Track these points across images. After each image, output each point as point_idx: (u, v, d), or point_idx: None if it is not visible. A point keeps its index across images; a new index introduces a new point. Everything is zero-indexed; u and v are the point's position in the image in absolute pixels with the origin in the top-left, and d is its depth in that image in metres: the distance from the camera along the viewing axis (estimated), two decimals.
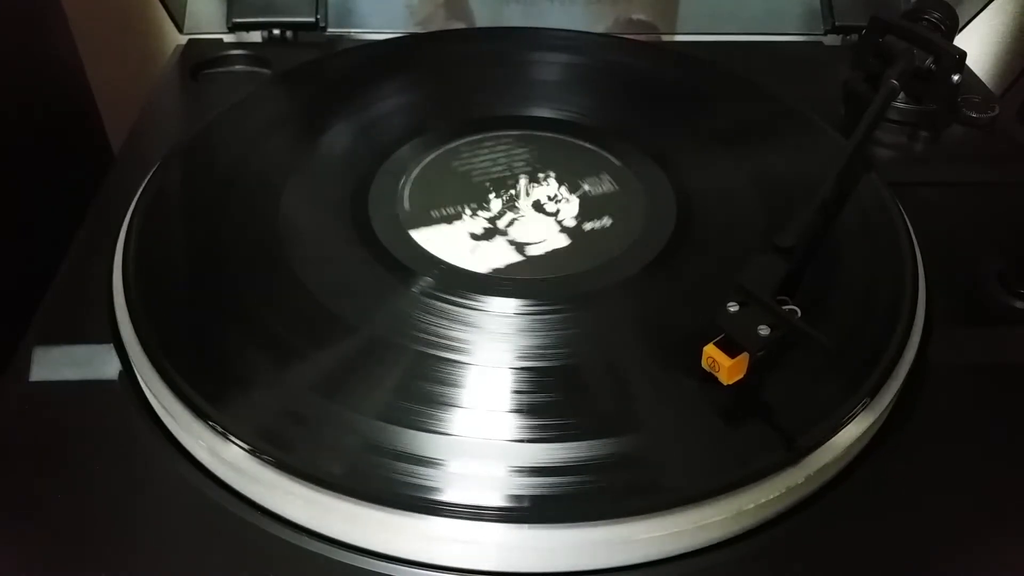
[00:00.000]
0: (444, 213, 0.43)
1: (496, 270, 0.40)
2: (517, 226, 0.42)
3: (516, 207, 0.44)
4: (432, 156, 0.47)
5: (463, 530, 0.30)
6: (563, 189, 0.45)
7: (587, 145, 0.48)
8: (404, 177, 0.45)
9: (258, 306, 0.37)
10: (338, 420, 0.33)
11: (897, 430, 0.35)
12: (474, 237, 0.42)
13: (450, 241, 0.41)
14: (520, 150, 0.48)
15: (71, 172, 0.58)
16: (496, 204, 0.44)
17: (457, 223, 0.42)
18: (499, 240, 0.41)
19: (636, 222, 0.43)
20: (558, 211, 0.43)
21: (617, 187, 0.45)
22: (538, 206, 0.44)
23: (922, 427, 0.36)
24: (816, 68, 0.59)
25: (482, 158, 0.47)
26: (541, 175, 0.46)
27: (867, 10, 0.55)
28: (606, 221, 0.43)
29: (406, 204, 0.43)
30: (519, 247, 0.41)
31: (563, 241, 0.42)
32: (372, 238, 0.41)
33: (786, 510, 0.32)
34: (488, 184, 0.45)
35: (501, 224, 0.42)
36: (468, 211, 0.43)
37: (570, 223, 0.43)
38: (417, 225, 0.42)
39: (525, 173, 0.46)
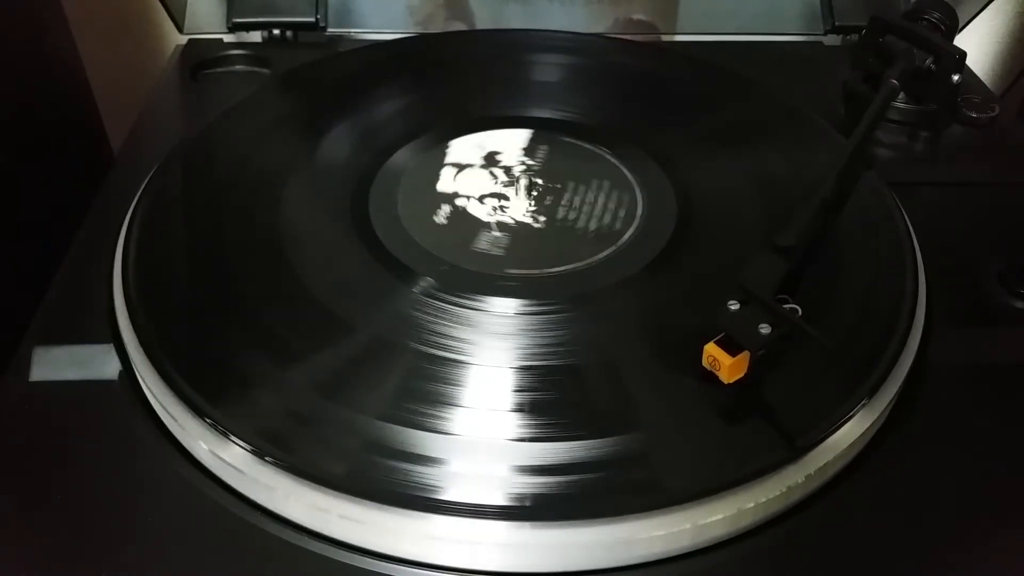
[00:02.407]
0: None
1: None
2: (506, 201, 0.44)
3: (509, 203, 0.44)
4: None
5: (464, 529, 0.30)
6: (563, 191, 0.45)
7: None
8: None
9: (258, 306, 0.37)
10: (338, 420, 0.33)
11: (897, 430, 0.35)
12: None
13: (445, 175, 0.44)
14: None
15: (71, 172, 0.58)
16: (495, 187, 0.44)
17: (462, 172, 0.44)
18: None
19: (636, 222, 0.43)
20: (555, 212, 0.43)
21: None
22: (532, 205, 0.44)
23: (922, 427, 0.36)
24: (816, 68, 0.59)
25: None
26: (540, 176, 0.46)
27: (867, 10, 0.55)
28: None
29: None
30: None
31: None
32: (372, 238, 0.41)
33: (786, 510, 0.32)
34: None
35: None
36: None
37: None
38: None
39: (525, 174, 0.46)
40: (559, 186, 0.45)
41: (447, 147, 0.47)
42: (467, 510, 0.30)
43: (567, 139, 0.49)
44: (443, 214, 0.43)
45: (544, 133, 0.49)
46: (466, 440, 0.32)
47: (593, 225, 0.42)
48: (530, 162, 0.47)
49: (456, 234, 0.42)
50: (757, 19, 0.63)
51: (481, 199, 0.44)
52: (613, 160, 0.47)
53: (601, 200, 0.44)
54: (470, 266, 0.40)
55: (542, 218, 0.43)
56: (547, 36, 0.58)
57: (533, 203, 0.44)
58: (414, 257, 0.40)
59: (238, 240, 0.41)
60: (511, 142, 0.48)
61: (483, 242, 0.41)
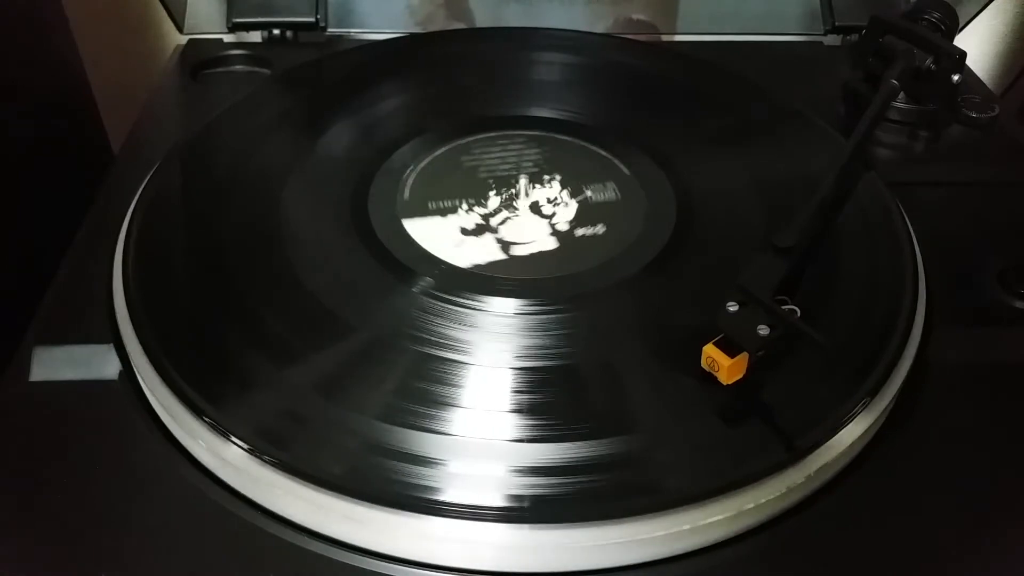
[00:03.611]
0: (441, 206, 0.43)
1: (477, 266, 0.40)
2: (510, 225, 0.42)
3: (514, 206, 0.44)
4: (440, 151, 0.47)
5: (463, 530, 0.30)
6: (564, 192, 0.45)
7: (587, 145, 0.48)
8: (410, 168, 0.45)
9: (258, 306, 0.37)
10: (338, 420, 0.33)
11: (897, 430, 0.35)
12: (464, 232, 0.42)
13: (439, 233, 0.41)
14: (519, 149, 0.48)
15: (71, 172, 0.58)
16: (494, 202, 0.44)
17: (451, 216, 0.43)
18: (487, 237, 0.42)
19: (636, 222, 0.43)
20: (554, 213, 0.43)
21: (617, 187, 0.45)
22: (535, 207, 0.44)
23: (922, 427, 0.36)
24: (816, 68, 0.59)
25: (490, 156, 0.47)
26: (544, 176, 0.46)
27: (867, 10, 0.55)
28: (599, 228, 0.42)
29: (406, 194, 0.44)
30: (505, 246, 0.41)
31: (552, 244, 0.41)
32: (372, 238, 0.41)
33: (786, 510, 0.32)
34: (491, 181, 0.45)
35: (494, 222, 0.43)
36: (465, 206, 0.43)
37: (563, 227, 0.43)
38: (412, 215, 0.42)
39: (527, 172, 0.46)
40: (560, 188, 0.45)
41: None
42: (466, 511, 0.30)
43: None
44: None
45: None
46: (465, 441, 0.32)
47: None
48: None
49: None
50: (757, 19, 0.63)
51: (480, 195, 0.44)
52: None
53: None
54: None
55: (536, 219, 0.43)
56: (547, 35, 0.58)
57: (531, 204, 0.44)
58: (414, 257, 0.40)
59: (238, 240, 0.41)
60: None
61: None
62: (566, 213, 0.43)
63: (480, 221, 0.43)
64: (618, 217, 0.43)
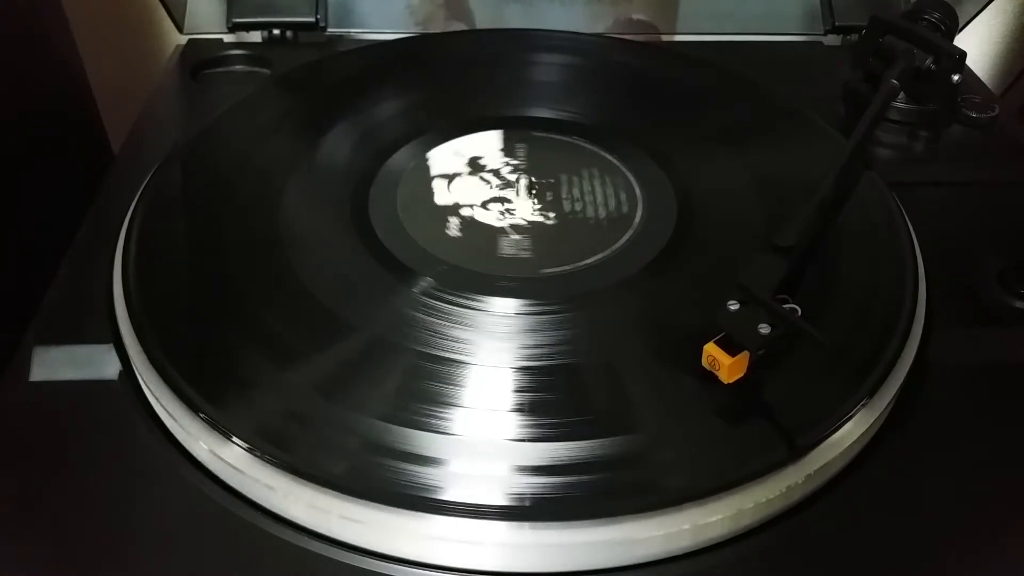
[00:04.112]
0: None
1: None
2: (508, 220, 0.43)
3: (512, 209, 0.44)
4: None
5: (464, 529, 0.30)
6: (563, 192, 0.45)
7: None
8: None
9: (258, 306, 0.37)
10: (338, 419, 0.33)
11: (897, 430, 0.35)
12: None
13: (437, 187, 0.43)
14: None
15: (71, 172, 0.58)
16: (494, 204, 0.44)
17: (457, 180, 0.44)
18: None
19: (636, 222, 0.43)
20: (554, 213, 0.43)
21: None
22: (534, 207, 0.44)
23: (922, 427, 0.35)
24: (816, 68, 0.59)
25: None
26: (544, 176, 0.46)
27: (867, 10, 0.55)
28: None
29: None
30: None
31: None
32: (372, 238, 0.41)
33: (786, 510, 0.32)
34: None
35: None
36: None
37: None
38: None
39: (526, 173, 0.46)
40: (558, 188, 0.45)
41: (445, 150, 0.47)
42: (467, 510, 0.30)
43: (567, 139, 0.49)
44: (451, 222, 0.43)
45: (544, 133, 0.49)
46: (466, 440, 0.32)
47: (601, 218, 0.43)
48: (530, 163, 0.47)
49: (469, 240, 0.41)
50: (757, 19, 0.63)
51: (485, 205, 0.44)
52: (613, 160, 0.47)
53: (601, 200, 0.44)
54: (487, 270, 0.39)
55: (549, 216, 0.43)
56: (547, 36, 0.58)
57: (536, 202, 0.44)
58: (414, 257, 0.40)
59: (238, 240, 0.41)
60: (507, 143, 0.48)
61: (499, 246, 0.41)
62: (566, 213, 0.43)
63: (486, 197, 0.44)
64: (618, 217, 0.43)
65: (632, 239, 0.41)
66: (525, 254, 0.41)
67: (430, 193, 0.44)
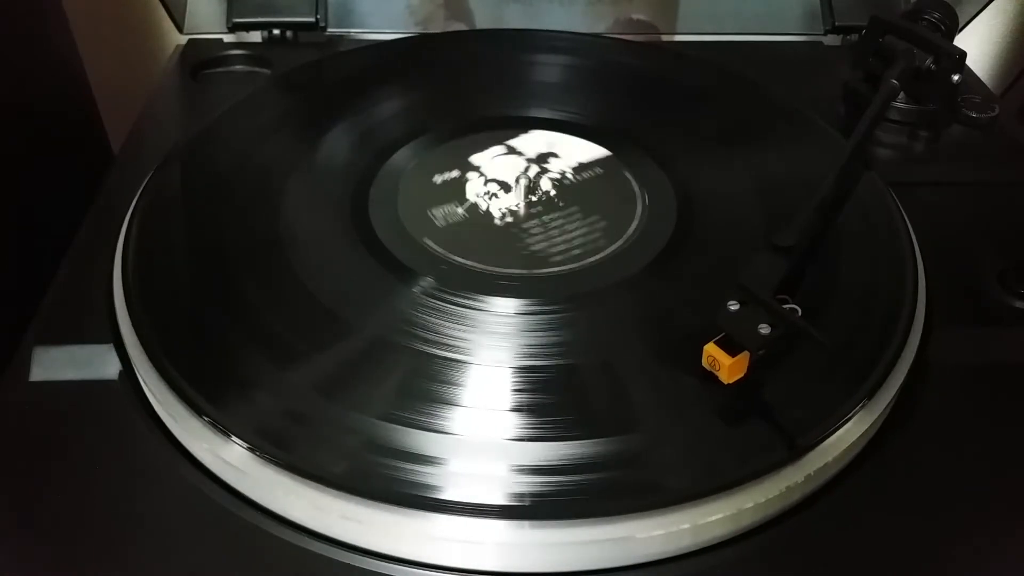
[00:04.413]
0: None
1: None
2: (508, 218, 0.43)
3: (511, 208, 0.44)
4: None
5: (463, 529, 0.30)
6: (563, 192, 0.45)
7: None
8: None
9: (258, 306, 0.37)
10: (338, 419, 0.33)
11: (897, 430, 0.35)
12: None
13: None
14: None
15: (71, 172, 0.58)
16: (494, 204, 0.44)
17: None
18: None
19: (635, 221, 0.43)
20: (553, 213, 0.43)
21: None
22: (534, 207, 0.44)
23: (922, 427, 0.35)
24: (816, 68, 0.59)
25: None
26: (544, 176, 0.46)
27: (867, 10, 0.55)
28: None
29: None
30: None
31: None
32: (372, 238, 0.41)
33: (786, 510, 0.32)
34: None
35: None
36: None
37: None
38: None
39: (526, 174, 0.46)
40: (558, 188, 0.45)
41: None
42: (467, 510, 0.30)
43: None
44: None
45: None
46: (466, 440, 0.32)
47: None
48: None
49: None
50: (757, 19, 0.63)
51: (484, 204, 0.44)
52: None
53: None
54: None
55: (549, 215, 0.43)
56: (547, 36, 0.58)
57: (536, 202, 0.44)
58: (414, 257, 0.40)
59: (238, 240, 0.41)
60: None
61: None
62: (565, 213, 0.43)
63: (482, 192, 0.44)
64: (618, 217, 0.43)
65: (632, 239, 0.41)
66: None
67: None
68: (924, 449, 0.35)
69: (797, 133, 0.49)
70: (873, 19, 0.51)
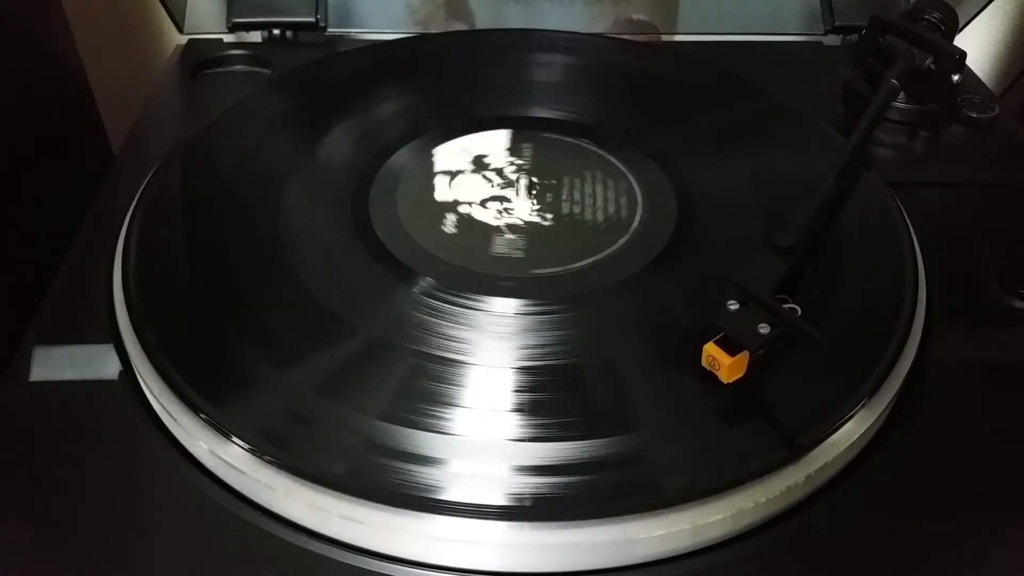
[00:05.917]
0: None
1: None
2: (508, 218, 0.43)
3: (511, 208, 0.44)
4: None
5: (464, 529, 0.30)
6: (563, 192, 0.45)
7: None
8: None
9: (258, 306, 0.37)
10: (338, 419, 0.33)
11: (897, 430, 0.35)
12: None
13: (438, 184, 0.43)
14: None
15: (71, 172, 0.58)
16: (493, 203, 0.44)
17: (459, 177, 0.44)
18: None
19: (636, 222, 0.43)
20: (553, 213, 0.43)
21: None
22: (534, 207, 0.44)
23: (922, 427, 0.35)
24: (816, 68, 0.59)
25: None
26: (543, 176, 0.46)
27: (867, 10, 0.55)
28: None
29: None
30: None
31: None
32: (372, 238, 0.41)
33: (786, 510, 0.32)
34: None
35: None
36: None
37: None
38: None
39: (526, 174, 0.46)
40: (558, 188, 0.45)
41: (444, 151, 0.47)
42: (467, 510, 0.30)
43: (566, 139, 0.48)
44: (450, 223, 0.43)
45: (544, 133, 0.49)
46: (466, 440, 0.32)
47: (601, 219, 0.42)
48: (529, 163, 0.47)
49: (469, 240, 0.41)
50: (757, 19, 0.63)
51: (484, 205, 0.44)
52: (613, 160, 0.47)
53: (601, 200, 0.44)
54: (487, 270, 0.39)
55: (549, 216, 0.43)
56: (547, 36, 0.58)
57: (535, 202, 0.44)
58: (414, 257, 0.40)
59: (238, 240, 0.41)
60: (507, 143, 0.48)
61: (499, 246, 0.41)
62: (566, 213, 0.43)
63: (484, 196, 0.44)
64: (618, 217, 0.43)
65: (632, 239, 0.41)
66: (525, 254, 0.41)
67: (430, 193, 0.44)
68: (924, 449, 0.35)
69: (797, 133, 0.49)
70: (873, 19, 0.51)
